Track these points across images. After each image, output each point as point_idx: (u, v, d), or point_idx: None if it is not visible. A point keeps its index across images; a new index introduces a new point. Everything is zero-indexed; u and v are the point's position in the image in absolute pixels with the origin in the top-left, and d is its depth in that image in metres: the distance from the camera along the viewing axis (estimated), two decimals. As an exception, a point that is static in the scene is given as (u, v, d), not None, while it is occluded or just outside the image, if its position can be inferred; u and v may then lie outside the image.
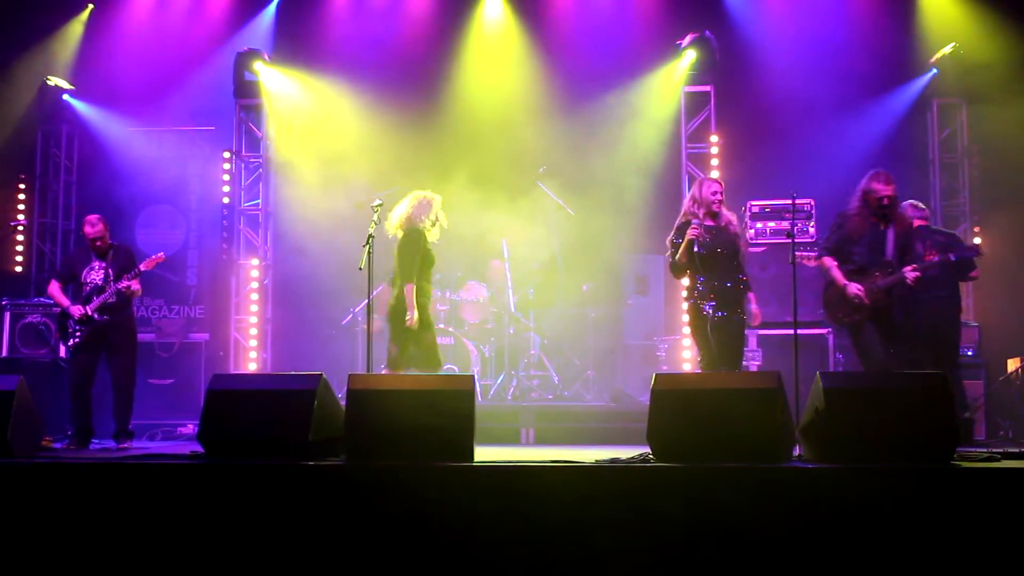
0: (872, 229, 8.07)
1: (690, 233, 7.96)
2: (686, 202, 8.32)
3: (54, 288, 9.29)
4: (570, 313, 11.83)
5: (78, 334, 9.03)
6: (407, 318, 8.52)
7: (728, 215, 8.17)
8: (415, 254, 8.65)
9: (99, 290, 9.07)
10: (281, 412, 6.67)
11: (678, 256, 8.08)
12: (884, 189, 8.04)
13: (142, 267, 9.11)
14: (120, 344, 9.12)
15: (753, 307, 8.08)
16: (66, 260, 9.61)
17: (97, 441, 9.10)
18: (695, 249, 7.97)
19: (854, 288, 8.00)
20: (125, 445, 8.91)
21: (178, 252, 12.81)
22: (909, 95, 11.90)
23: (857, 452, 6.06)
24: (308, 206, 12.16)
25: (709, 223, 8.08)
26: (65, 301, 9.15)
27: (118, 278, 9.08)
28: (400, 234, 8.79)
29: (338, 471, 6.30)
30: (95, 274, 9.15)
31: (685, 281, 8.39)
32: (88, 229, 9.23)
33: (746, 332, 8.27)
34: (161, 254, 9.28)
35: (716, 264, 8.00)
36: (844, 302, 8.10)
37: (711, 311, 7.96)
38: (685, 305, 8.33)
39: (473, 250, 12.07)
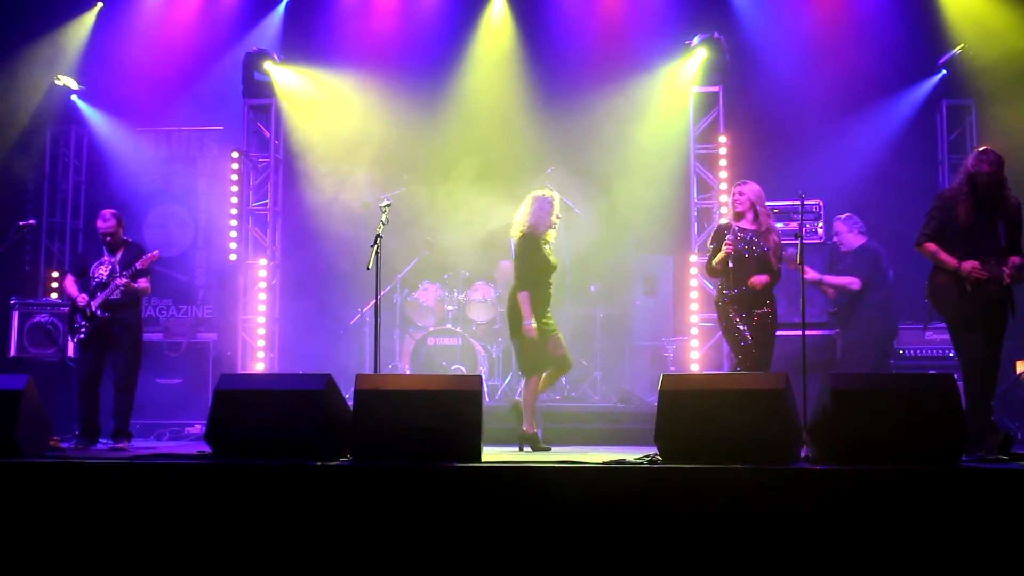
0: (979, 214, 7.39)
1: (725, 249, 8.02)
2: (726, 209, 8.42)
3: (68, 282, 9.32)
4: (578, 314, 11.82)
5: (83, 329, 9.02)
6: (523, 326, 8.45)
7: (767, 220, 8.20)
8: (529, 259, 8.55)
9: (103, 285, 9.06)
10: (289, 412, 6.68)
11: (715, 263, 8.20)
12: (992, 169, 7.34)
13: (138, 265, 9.07)
14: (122, 341, 9.09)
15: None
16: (81, 255, 9.65)
17: (104, 440, 9.10)
18: (729, 264, 8.05)
19: (970, 264, 7.27)
20: (122, 445, 8.85)
21: (186, 252, 12.84)
22: (918, 96, 11.86)
23: (865, 453, 6.05)
24: (316, 206, 12.18)
25: (749, 227, 8.15)
26: (74, 293, 9.16)
27: (118, 275, 9.07)
28: (516, 238, 8.69)
29: (345, 471, 6.30)
30: (102, 269, 9.15)
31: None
32: (100, 223, 9.24)
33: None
34: (156, 252, 9.26)
35: (746, 271, 8.07)
36: (954, 288, 7.38)
37: (736, 317, 8.06)
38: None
39: (481, 250, 12.08)
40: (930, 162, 11.70)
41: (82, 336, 9.05)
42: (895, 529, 5.64)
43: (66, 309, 10.83)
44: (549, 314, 8.65)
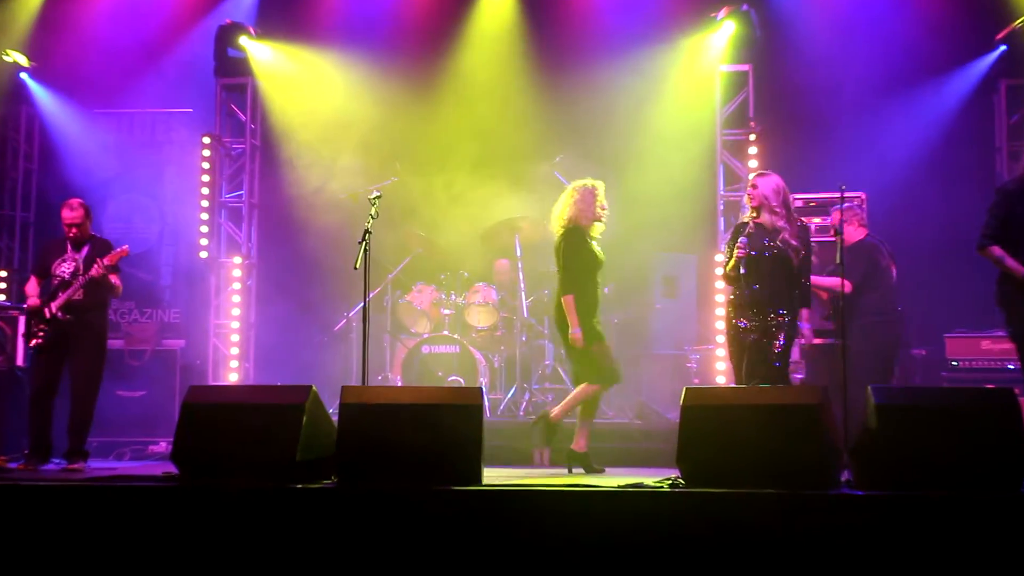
0: None
1: (737, 253, 7.96)
2: (745, 201, 8.32)
3: (31, 285, 9.22)
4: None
5: (40, 334, 8.96)
6: (570, 333, 8.45)
7: (773, 218, 8.09)
8: (573, 258, 8.53)
9: (65, 284, 9.00)
10: (266, 428, 6.67)
11: (728, 269, 8.12)
12: None
13: (105, 261, 9.00)
14: (83, 347, 9.02)
15: (804, 325, 7.99)
16: (39, 251, 9.58)
17: (57, 460, 9.06)
18: (741, 270, 7.98)
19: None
20: (78, 466, 8.77)
21: (151, 248, 12.84)
22: (972, 75, 11.84)
23: (914, 477, 6.03)
24: (297, 197, 12.19)
25: (767, 223, 8.07)
26: (31, 297, 9.10)
27: (81, 273, 9.03)
28: (557, 235, 8.68)
29: (329, 495, 6.30)
30: (65, 266, 9.08)
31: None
32: (67, 213, 9.14)
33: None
34: (125, 247, 9.20)
35: (761, 274, 7.98)
36: (1020, 296, 7.46)
37: (746, 324, 7.97)
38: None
39: (481, 248, 12.08)
40: (986, 149, 11.68)
41: (39, 341, 8.99)
42: (947, 563, 5.62)
43: (15, 313, 10.86)
44: (598, 318, 8.63)
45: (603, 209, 8.66)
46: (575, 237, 8.57)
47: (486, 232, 11.96)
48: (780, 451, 6.22)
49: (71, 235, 9.16)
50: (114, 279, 9.11)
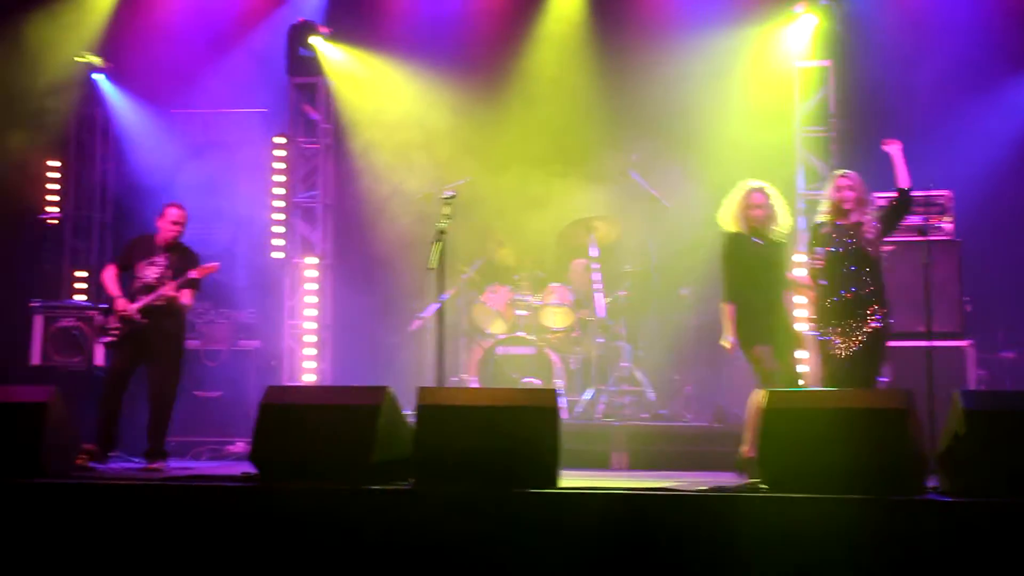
0: None
1: (812, 264, 7.89)
2: (823, 202, 8.22)
3: (109, 274, 9.34)
4: (667, 320, 11.77)
5: (115, 331, 9.11)
6: (722, 340, 8.29)
7: (861, 217, 8.04)
8: (725, 264, 8.34)
9: (148, 288, 9.14)
10: (342, 429, 6.73)
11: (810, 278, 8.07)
12: None
13: (193, 274, 9.19)
14: (161, 351, 9.17)
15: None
16: (128, 246, 9.59)
17: (138, 460, 9.20)
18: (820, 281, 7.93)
19: None
20: (157, 466, 8.93)
21: (225, 249, 12.92)
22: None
23: (1004, 484, 5.95)
24: (371, 198, 12.26)
25: (850, 222, 8.03)
26: (115, 290, 9.21)
27: (169, 280, 9.17)
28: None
29: (405, 496, 6.35)
30: (151, 270, 9.21)
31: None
32: (176, 212, 9.30)
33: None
34: (216, 264, 9.41)
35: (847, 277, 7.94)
36: None
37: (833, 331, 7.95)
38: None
39: (556, 248, 12.08)
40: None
41: (111, 339, 9.16)
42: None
43: (93, 313, 11.05)
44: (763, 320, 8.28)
45: (756, 209, 8.27)
46: (724, 242, 8.33)
47: (561, 232, 11.96)
48: (865, 456, 6.17)
49: (169, 236, 9.29)
50: (187, 297, 9.24)
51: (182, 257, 9.30)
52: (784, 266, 8.39)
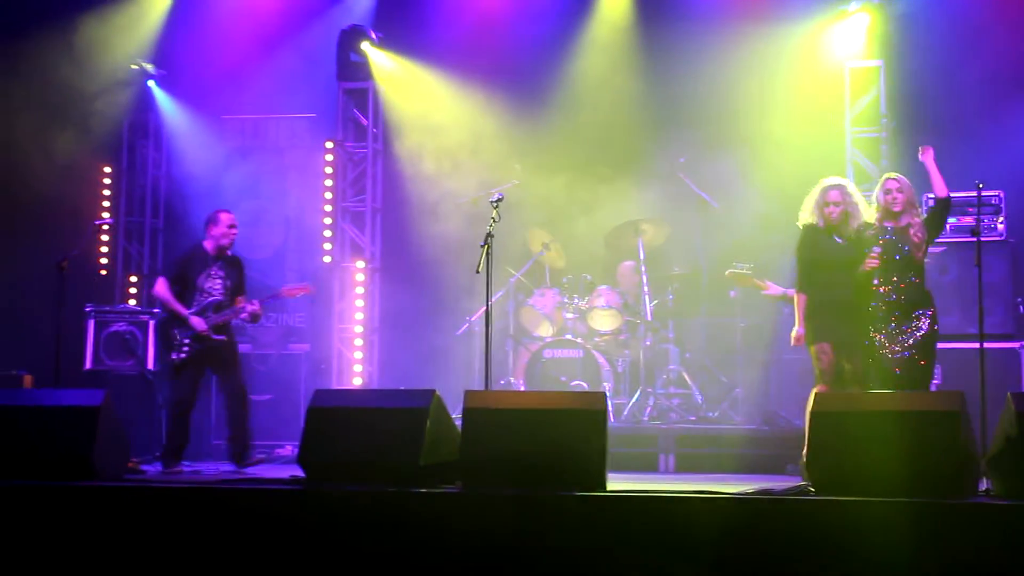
0: None
1: (867, 264, 7.85)
2: (872, 204, 8.15)
3: (164, 288, 9.23)
4: (715, 323, 11.73)
5: (185, 348, 9.10)
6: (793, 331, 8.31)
7: (910, 219, 7.99)
8: (797, 255, 8.38)
9: (219, 305, 9.17)
10: (390, 433, 6.78)
11: (860, 279, 8.03)
12: None
13: (283, 292, 9.45)
14: (233, 359, 9.30)
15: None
16: (181, 259, 9.47)
17: (188, 463, 9.30)
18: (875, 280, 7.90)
19: None
20: (253, 463, 9.10)
21: (276, 253, 13.05)
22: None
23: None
24: (419, 202, 12.30)
25: (898, 224, 7.97)
26: (182, 308, 9.13)
27: (235, 292, 9.26)
28: None
29: (453, 499, 6.37)
30: (214, 284, 9.23)
31: None
32: (229, 221, 9.31)
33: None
34: (308, 285, 9.68)
35: (895, 275, 7.89)
36: None
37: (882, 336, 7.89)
38: None
39: (604, 250, 12.07)
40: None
41: (184, 356, 9.11)
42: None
43: (146, 317, 11.18)
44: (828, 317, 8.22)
45: (833, 205, 8.18)
46: (804, 234, 8.32)
47: (609, 235, 11.95)
48: (915, 459, 6.11)
49: (226, 243, 9.31)
50: (260, 309, 9.39)
51: (232, 265, 9.38)
52: (858, 266, 8.20)
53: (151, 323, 11.27)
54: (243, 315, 9.26)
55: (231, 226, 9.33)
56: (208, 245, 9.33)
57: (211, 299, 9.19)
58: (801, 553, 5.78)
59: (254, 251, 12.39)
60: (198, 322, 9.08)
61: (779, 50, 11.68)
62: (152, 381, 10.92)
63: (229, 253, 9.41)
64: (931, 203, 8.45)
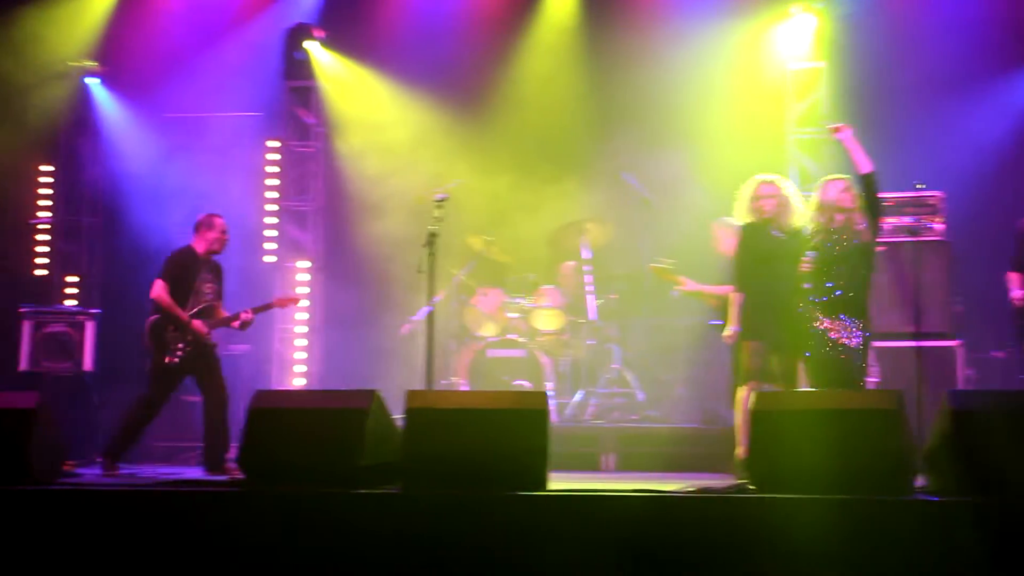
0: None
1: (803, 268, 7.91)
2: (813, 208, 8.18)
3: (164, 291, 8.99)
4: (658, 323, 11.78)
5: (179, 353, 9.01)
6: (725, 329, 8.34)
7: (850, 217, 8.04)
8: (735, 254, 8.38)
9: (211, 310, 9.15)
10: (330, 433, 6.73)
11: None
12: None
13: (275, 303, 9.67)
14: (216, 366, 9.21)
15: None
16: (182, 262, 9.20)
17: (124, 465, 9.20)
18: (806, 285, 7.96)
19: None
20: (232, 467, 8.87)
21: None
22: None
23: (993, 484, 5.95)
24: (363, 202, 12.26)
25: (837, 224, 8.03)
26: (183, 313, 9.00)
27: (219, 297, 9.26)
28: None
29: (394, 500, 6.35)
30: (208, 287, 9.19)
31: None
32: (223, 226, 9.25)
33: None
34: (297, 295, 10.12)
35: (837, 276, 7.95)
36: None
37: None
38: None
39: (547, 250, 12.09)
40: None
41: (177, 360, 9.02)
42: (1027, 571, 5.56)
43: (83, 318, 11.05)
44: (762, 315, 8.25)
45: (758, 200, 8.27)
46: (743, 231, 8.35)
47: (553, 234, 11.97)
48: (854, 456, 6.17)
49: (219, 248, 9.27)
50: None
51: (217, 270, 9.34)
52: (798, 260, 8.18)
53: (88, 324, 11.15)
54: (235, 323, 9.25)
55: (224, 231, 9.26)
56: (199, 248, 9.22)
57: (207, 303, 9.15)
58: (742, 550, 5.82)
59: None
60: (200, 326, 9.02)
61: (723, 51, 11.77)
62: (89, 383, 10.78)
63: (214, 258, 9.34)
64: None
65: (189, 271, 9.13)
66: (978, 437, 6.11)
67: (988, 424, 6.17)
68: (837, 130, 7.88)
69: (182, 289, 9.07)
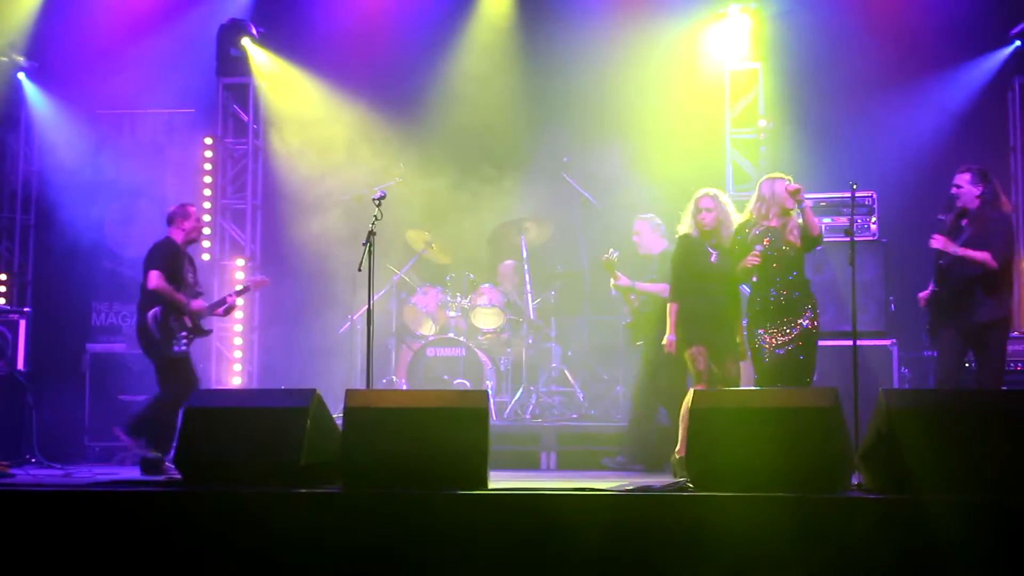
0: None
1: (748, 261, 7.98)
2: (752, 203, 8.26)
3: (162, 280, 8.94)
4: (597, 321, 11.84)
5: (184, 340, 9.11)
6: (664, 339, 8.43)
7: (786, 217, 8.14)
8: (673, 265, 8.56)
9: (195, 295, 9.25)
10: (269, 433, 6.71)
11: (739, 275, 8.19)
12: None
13: (252, 286, 9.86)
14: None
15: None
16: (167, 253, 9.18)
17: (59, 465, 9.08)
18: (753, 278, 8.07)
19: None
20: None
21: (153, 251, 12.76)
22: (985, 71, 11.73)
23: (927, 481, 6.03)
24: (301, 200, 12.19)
25: (775, 224, 8.11)
26: (183, 298, 9.10)
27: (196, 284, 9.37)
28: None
29: (333, 499, 6.33)
30: (192, 277, 9.31)
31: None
32: (196, 219, 9.35)
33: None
34: (267, 279, 10.13)
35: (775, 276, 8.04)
36: None
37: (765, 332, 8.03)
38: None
39: (487, 249, 12.10)
40: (1000, 148, 11.62)
41: (184, 348, 9.13)
42: (959, 567, 5.63)
43: (16, 317, 10.89)
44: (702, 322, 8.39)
45: (700, 213, 8.39)
46: (680, 244, 8.52)
47: (492, 233, 12.00)
48: (791, 454, 6.25)
49: (196, 237, 9.45)
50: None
51: (191, 260, 9.44)
52: (731, 277, 8.38)
53: (21, 322, 10.98)
54: (220, 309, 9.44)
55: (199, 219, 9.43)
56: (178, 238, 9.24)
57: (194, 290, 9.28)
58: (680, 548, 5.86)
59: (130, 248, 12.13)
60: (199, 304, 9.20)
61: (661, 51, 11.83)
62: (24, 382, 10.63)
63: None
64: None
65: (178, 261, 9.19)
66: (913, 435, 6.19)
67: (923, 422, 6.25)
68: (797, 194, 7.95)
69: (175, 279, 9.12)
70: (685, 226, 8.49)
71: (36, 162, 12.91)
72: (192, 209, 9.38)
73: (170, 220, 9.26)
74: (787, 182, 8.03)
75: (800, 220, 8.02)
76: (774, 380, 7.82)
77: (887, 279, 10.17)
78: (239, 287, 9.86)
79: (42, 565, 6.18)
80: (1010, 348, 9.84)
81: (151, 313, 9.01)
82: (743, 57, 11.64)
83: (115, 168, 12.52)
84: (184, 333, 9.09)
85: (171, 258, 9.16)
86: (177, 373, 9.07)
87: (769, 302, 7.99)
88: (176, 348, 9.05)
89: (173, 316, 9.04)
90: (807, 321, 7.97)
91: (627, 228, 10.31)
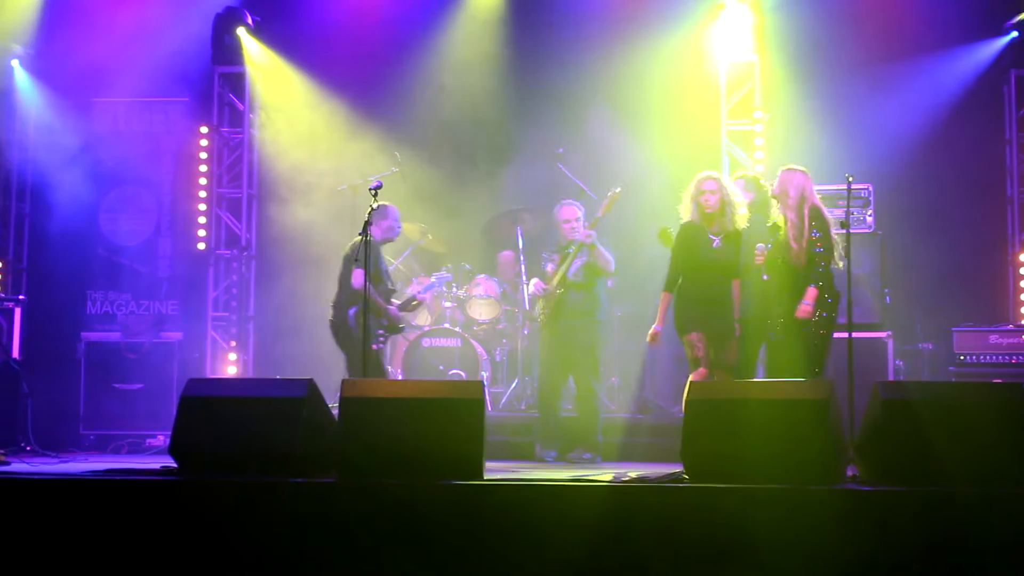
0: None
1: (756, 260, 8.00)
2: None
3: (365, 280, 8.73)
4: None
5: (381, 339, 9.40)
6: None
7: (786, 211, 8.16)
8: (672, 251, 8.60)
9: (390, 293, 9.52)
10: (265, 422, 6.72)
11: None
12: None
13: (426, 296, 10.27)
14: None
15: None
16: (377, 253, 9.25)
17: (55, 455, 9.09)
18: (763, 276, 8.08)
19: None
20: None
21: (148, 240, 12.77)
22: (980, 61, 11.69)
23: (922, 473, 6.06)
24: (298, 189, 12.17)
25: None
26: (381, 300, 9.36)
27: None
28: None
29: (330, 489, 6.33)
30: (387, 277, 9.58)
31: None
32: (395, 218, 9.59)
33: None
34: (427, 296, 10.45)
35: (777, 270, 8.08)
36: None
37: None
38: None
39: (483, 240, 12.10)
40: (995, 141, 11.64)
41: (381, 346, 9.46)
42: (952, 559, 5.65)
43: (11, 305, 10.88)
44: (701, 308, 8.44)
45: (702, 195, 8.38)
46: (682, 233, 8.52)
47: (488, 224, 11.98)
48: (786, 446, 6.26)
49: (391, 239, 9.75)
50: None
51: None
52: (736, 259, 8.42)
53: (16, 311, 10.97)
54: (412, 306, 10.06)
55: (398, 219, 9.64)
56: (377, 235, 9.26)
57: (389, 289, 9.59)
58: (676, 539, 5.88)
59: (127, 238, 12.14)
60: (395, 312, 9.55)
61: (657, 41, 11.80)
62: (19, 370, 10.63)
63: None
64: (819, 248, 8.41)
65: (379, 260, 9.42)
66: (907, 427, 6.21)
67: (917, 414, 6.27)
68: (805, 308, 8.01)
69: (375, 278, 9.26)
70: (686, 211, 8.45)
71: (32, 151, 12.87)
72: (392, 209, 9.57)
73: (372, 217, 9.01)
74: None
75: (796, 218, 8.05)
76: (785, 371, 7.88)
77: (883, 272, 10.18)
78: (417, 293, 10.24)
79: (37, 553, 6.19)
80: (1005, 341, 9.96)
81: (352, 312, 9.24)
82: (740, 48, 11.61)
83: (112, 157, 12.51)
84: (381, 332, 9.37)
85: (378, 258, 9.40)
86: (368, 367, 9.07)
87: (777, 294, 8.02)
88: (375, 346, 9.29)
89: (372, 314, 9.09)
90: (825, 315, 7.99)
91: (623, 220, 10.33)
